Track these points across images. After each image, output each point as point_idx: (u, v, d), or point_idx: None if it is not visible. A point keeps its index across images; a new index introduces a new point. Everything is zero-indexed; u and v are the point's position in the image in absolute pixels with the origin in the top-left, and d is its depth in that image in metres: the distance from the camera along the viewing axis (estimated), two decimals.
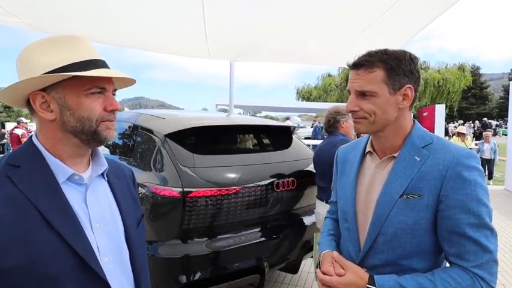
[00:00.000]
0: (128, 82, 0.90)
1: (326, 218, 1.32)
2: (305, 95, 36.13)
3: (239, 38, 3.86)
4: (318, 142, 12.86)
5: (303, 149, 2.94)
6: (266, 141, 3.17)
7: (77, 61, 0.75)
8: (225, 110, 12.10)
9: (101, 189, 0.87)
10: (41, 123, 0.79)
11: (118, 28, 3.55)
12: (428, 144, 0.94)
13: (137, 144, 2.55)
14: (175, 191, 1.99)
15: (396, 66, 0.91)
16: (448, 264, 0.93)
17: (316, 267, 1.07)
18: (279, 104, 21.51)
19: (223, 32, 3.63)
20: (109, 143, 0.85)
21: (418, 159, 0.92)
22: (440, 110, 10.82)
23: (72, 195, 0.77)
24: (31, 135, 0.80)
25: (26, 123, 10.44)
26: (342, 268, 0.94)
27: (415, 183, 0.90)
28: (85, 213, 0.78)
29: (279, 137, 3.01)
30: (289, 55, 4.64)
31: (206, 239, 2.09)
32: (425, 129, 0.99)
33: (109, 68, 0.81)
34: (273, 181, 2.34)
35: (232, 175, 2.23)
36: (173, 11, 3.17)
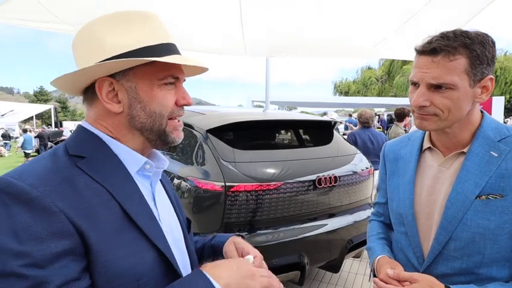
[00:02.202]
0: (196, 71, 0.77)
1: (370, 220, 1.22)
2: (343, 90, 35.06)
3: (276, 34, 3.80)
4: None
5: (344, 144, 2.83)
6: (306, 136, 3.11)
7: (151, 44, 0.63)
8: (260, 106, 12.10)
9: (160, 189, 0.77)
10: (102, 115, 0.66)
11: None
12: (505, 138, 0.83)
13: None
14: (217, 185, 2.01)
15: (481, 53, 0.76)
16: None
17: (372, 274, 0.99)
18: (315, 99, 21.02)
19: (260, 28, 3.61)
20: None
21: (495, 154, 0.81)
22: (498, 103, 9.87)
23: (142, 192, 0.67)
24: (80, 124, 0.69)
25: None
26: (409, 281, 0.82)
27: (495, 181, 0.80)
28: (155, 214, 0.68)
29: (319, 132, 2.93)
30: (328, 49, 4.49)
31: (246, 233, 2.10)
32: (498, 121, 0.88)
33: (180, 54, 0.69)
34: (315, 177, 2.28)
35: (272, 171, 2.21)
36: (210, 9, 3.21)
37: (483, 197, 0.80)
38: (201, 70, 0.77)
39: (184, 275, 0.69)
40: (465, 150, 0.86)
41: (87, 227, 0.54)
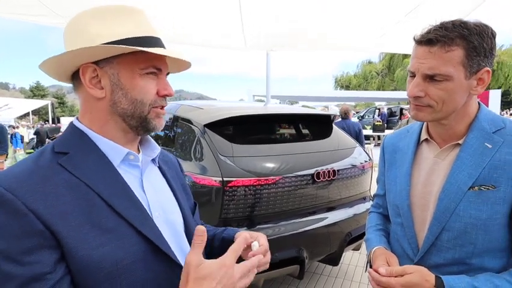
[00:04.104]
0: (181, 66, 0.81)
1: (370, 212, 1.24)
2: (344, 84, 35.05)
3: (276, 28, 3.78)
4: None
5: (343, 138, 2.82)
6: (305, 130, 3.10)
7: (138, 36, 0.67)
8: (261, 101, 12.08)
9: (154, 176, 0.80)
10: (86, 102, 0.70)
11: (156, 23, 3.63)
12: (501, 129, 0.83)
13: (178, 135, 2.62)
14: (215, 180, 2.01)
15: (479, 44, 0.76)
16: None
17: (367, 265, 1.00)
18: (316, 93, 21.06)
19: (260, 21, 3.58)
20: (152, 134, 0.80)
21: (490, 146, 0.81)
22: (495, 96, 9.88)
23: (128, 180, 0.70)
24: (71, 121, 0.73)
25: None
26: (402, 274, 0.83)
27: (488, 173, 0.80)
28: (143, 200, 0.71)
29: (318, 126, 2.92)
30: (328, 43, 4.46)
31: (245, 228, 2.10)
32: (494, 112, 0.88)
33: (164, 47, 0.72)
34: (313, 171, 2.28)
35: (271, 165, 2.21)
36: (210, 2, 3.17)
37: (476, 188, 0.81)
38: (185, 66, 0.81)
39: (180, 256, 0.73)
40: (460, 141, 0.86)
41: (58, 224, 0.58)
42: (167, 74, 0.75)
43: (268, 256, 0.77)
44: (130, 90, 0.68)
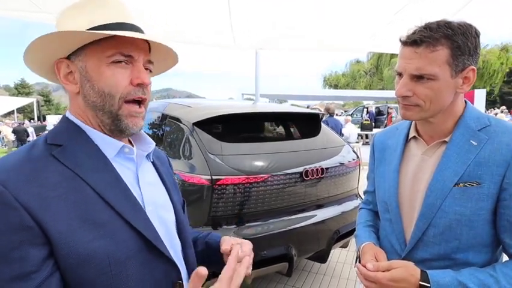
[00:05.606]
0: (170, 62, 0.77)
1: (360, 209, 1.25)
2: (332, 83, 35.38)
3: (265, 26, 3.77)
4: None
5: (332, 136, 2.85)
6: (294, 128, 3.12)
7: (102, 24, 0.64)
8: (250, 99, 12.08)
9: (148, 170, 0.78)
10: (70, 97, 0.69)
11: (145, 20, 3.59)
12: (486, 127, 0.85)
13: (166, 133, 2.59)
14: (204, 178, 2.00)
15: (463, 43, 0.78)
16: (505, 257, 0.86)
17: (357, 261, 1.02)
18: (305, 92, 21.22)
19: (249, 20, 3.57)
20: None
21: (475, 143, 0.83)
22: (480, 96, 10.14)
23: (123, 174, 0.68)
24: (64, 114, 0.71)
25: None
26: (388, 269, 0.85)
27: (473, 170, 0.82)
28: (137, 194, 0.69)
29: (307, 124, 2.94)
30: (318, 43, 4.47)
31: (234, 226, 2.10)
32: (480, 111, 0.90)
33: (143, 32, 0.67)
34: (302, 169, 2.29)
35: (260, 163, 2.21)
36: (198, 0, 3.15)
37: (461, 184, 0.83)
38: (173, 60, 0.77)
39: (171, 252, 0.72)
40: (447, 139, 0.88)
41: (48, 219, 0.56)
42: (151, 63, 0.71)
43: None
44: (97, 81, 0.64)
